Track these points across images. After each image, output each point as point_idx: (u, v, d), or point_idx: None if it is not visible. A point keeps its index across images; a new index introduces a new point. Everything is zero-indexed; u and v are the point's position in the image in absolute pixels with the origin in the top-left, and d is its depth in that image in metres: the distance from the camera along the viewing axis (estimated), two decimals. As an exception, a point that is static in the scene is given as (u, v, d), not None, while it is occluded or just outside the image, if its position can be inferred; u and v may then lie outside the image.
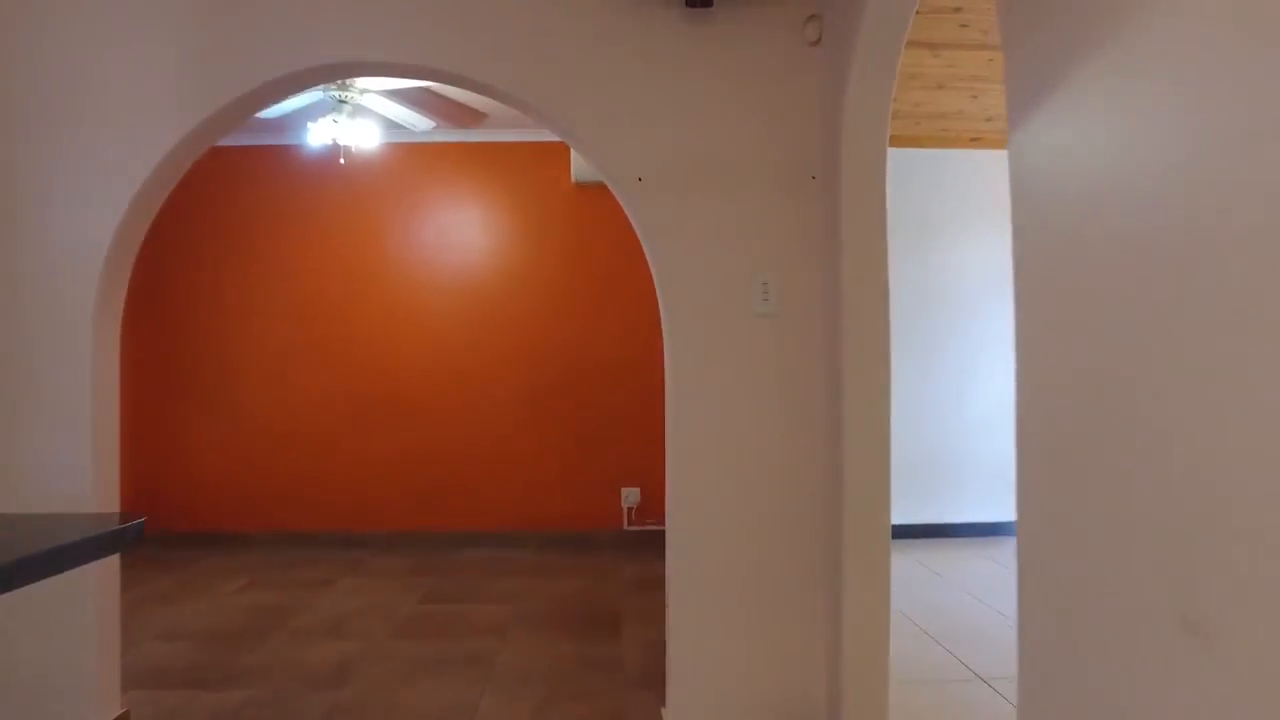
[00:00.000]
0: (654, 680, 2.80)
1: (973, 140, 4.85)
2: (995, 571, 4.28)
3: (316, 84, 2.42)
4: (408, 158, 4.98)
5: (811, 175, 2.30)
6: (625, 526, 4.99)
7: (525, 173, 5.01)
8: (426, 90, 4.12)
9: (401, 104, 4.01)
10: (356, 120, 3.91)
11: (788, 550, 2.35)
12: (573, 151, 4.86)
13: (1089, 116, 1.08)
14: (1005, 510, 5.10)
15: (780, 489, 2.34)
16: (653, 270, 2.44)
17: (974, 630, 3.32)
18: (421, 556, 4.66)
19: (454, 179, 5.02)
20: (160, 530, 4.84)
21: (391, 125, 4.35)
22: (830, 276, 2.25)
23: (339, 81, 3.69)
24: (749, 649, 2.36)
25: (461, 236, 5.01)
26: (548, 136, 4.92)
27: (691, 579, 2.37)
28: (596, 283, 4.99)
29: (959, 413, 5.10)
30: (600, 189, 4.91)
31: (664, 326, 2.44)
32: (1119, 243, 1.02)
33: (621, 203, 2.42)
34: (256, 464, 4.91)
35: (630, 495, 4.98)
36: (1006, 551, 4.70)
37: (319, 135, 3.83)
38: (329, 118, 3.76)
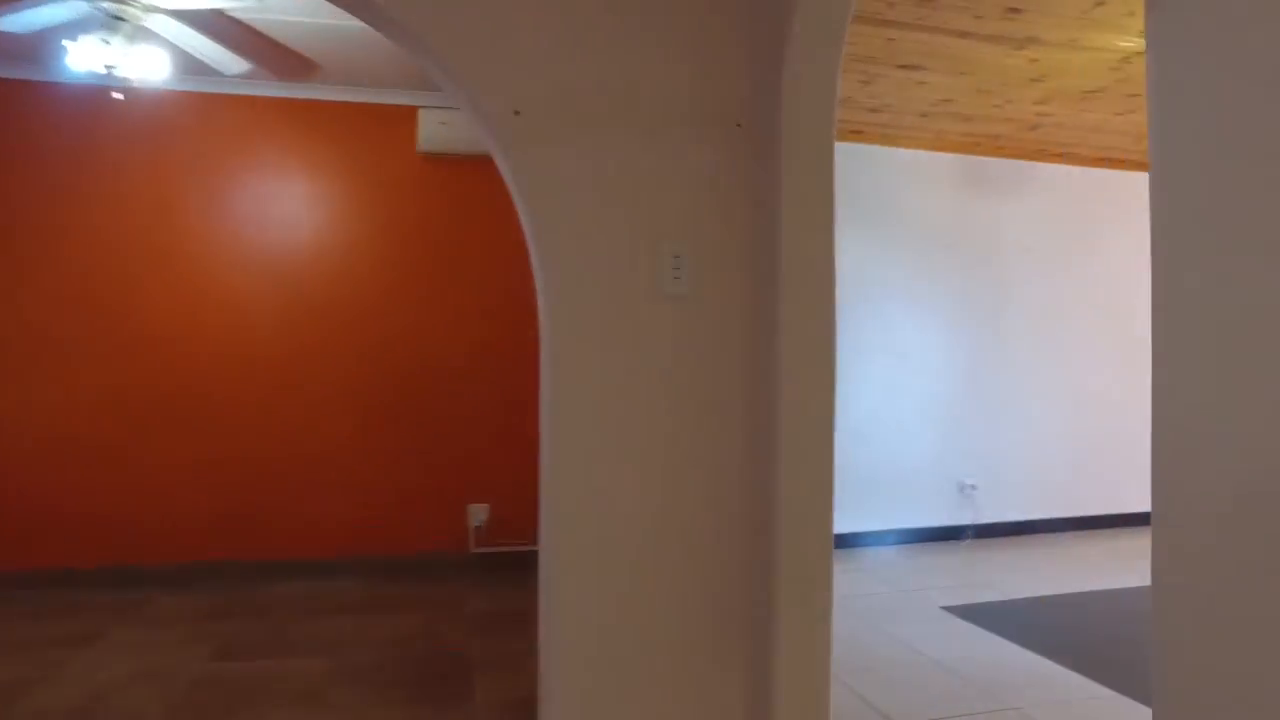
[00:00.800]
0: (518, 756, 2.25)
1: (854, 133, 4.63)
2: (873, 588, 4.04)
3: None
4: (217, 109, 4.11)
5: (736, 123, 1.84)
6: (471, 549, 4.36)
7: (363, 139, 4.27)
8: (238, 23, 3.34)
9: (201, 32, 3.20)
10: (138, 46, 3.06)
11: (699, 579, 1.87)
12: (421, 117, 4.20)
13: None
14: (861, 521, 4.87)
15: (691, 506, 1.86)
16: (528, 237, 1.89)
17: (877, 663, 2.99)
18: (222, 594, 3.81)
19: (276, 140, 4.20)
20: None
21: (195, 65, 3.51)
22: (761, 251, 1.80)
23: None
24: (651, 704, 1.85)
25: (283, 209, 4.20)
26: (391, 98, 4.24)
27: (573, 617, 1.83)
28: (444, 269, 4.34)
29: (832, 420, 4.85)
30: (453, 162, 4.28)
31: (541, 310, 1.91)
32: None
33: (491, 147, 1.86)
34: (3, 482, 3.86)
35: (478, 513, 4.36)
36: (871, 563, 4.50)
37: (81, 58, 2.95)
38: (96, 36, 2.91)
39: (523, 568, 4.28)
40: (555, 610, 1.83)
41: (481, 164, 4.31)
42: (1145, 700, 2.59)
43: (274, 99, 4.15)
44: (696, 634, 1.87)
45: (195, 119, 4.08)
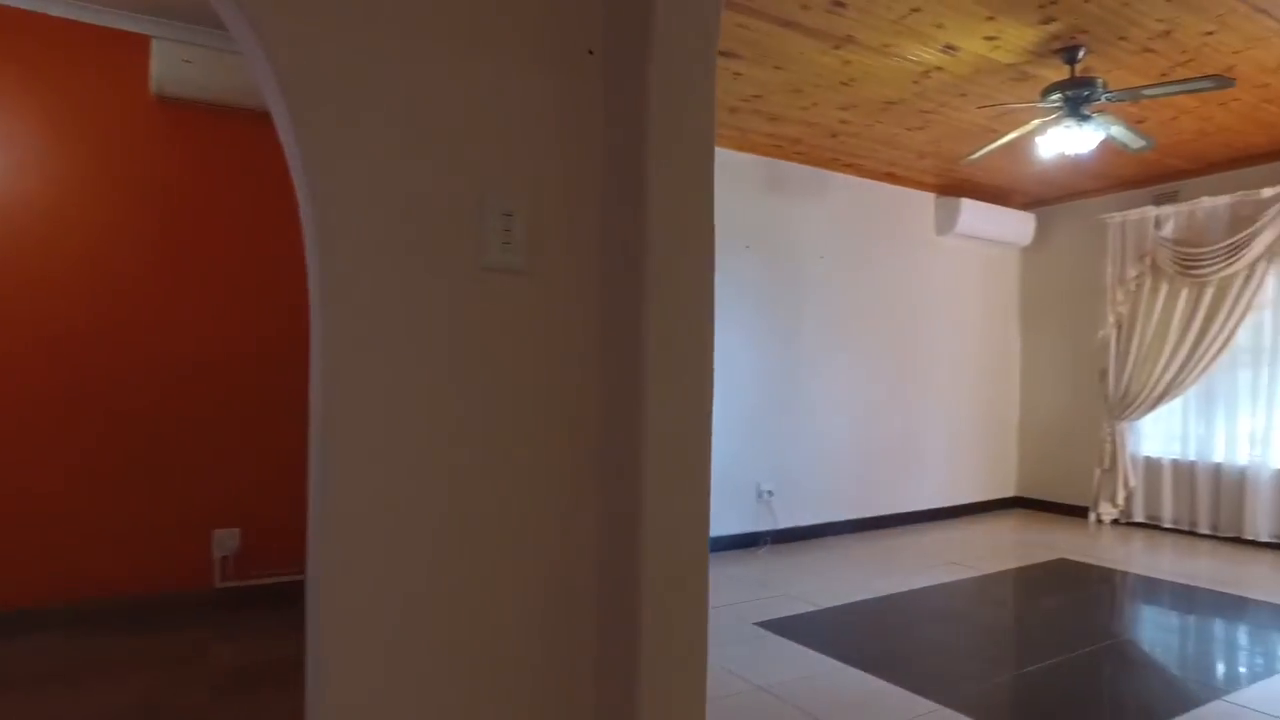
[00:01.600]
0: None
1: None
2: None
3: None
4: None
5: (588, 49, 1.45)
6: (217, 584, 3.59)
7: (71, 70, 3.35)
8: None
9: None
10: None
11: (534, 633, 1.45)
12: (156, 50, 3.37)
13: None
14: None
15: (525, 538, 1.44)
16: (297, 181, 1.38)
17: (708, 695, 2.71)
18: None
19: (-64, 60, 3.18)
20: None
21: None
22: (622, 210, 1.42)
23: None
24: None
25: (-52, 153, 3.19)
26: (112, 19, 3.38)
27: (352, 674, 1.34)
28: (185, 243, 3.54)
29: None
30: (203, 112, 3.52)
31: (314, 286, 1.40)
32: None
33: (248, 48, 1.32)
34: None
35: (225, 540, 3.61)
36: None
37: None
38: None
39: (285, 603, 3.60)
40: (327, 665, 1.33)
41: (244, 119, 3.58)
42: (973, 713, 2.54)
43: (-63, 5, 3.14)
44: (528, 697, 1.46)
45: None
